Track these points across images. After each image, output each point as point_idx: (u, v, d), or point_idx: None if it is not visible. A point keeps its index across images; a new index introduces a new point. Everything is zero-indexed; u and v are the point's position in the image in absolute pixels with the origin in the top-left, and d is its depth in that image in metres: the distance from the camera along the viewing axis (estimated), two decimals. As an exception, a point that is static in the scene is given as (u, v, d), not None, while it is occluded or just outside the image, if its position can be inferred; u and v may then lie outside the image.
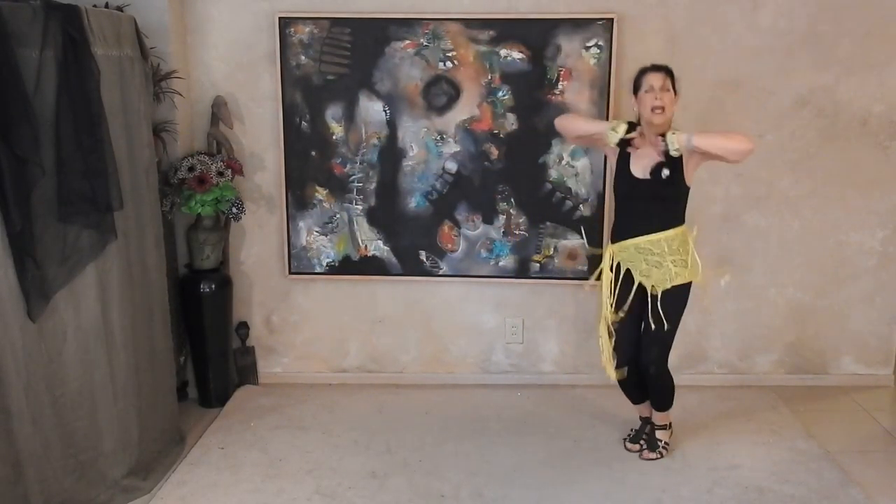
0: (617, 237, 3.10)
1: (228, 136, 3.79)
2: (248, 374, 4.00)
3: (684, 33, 3.68)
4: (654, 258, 2.99)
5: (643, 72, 2.96)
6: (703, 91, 3.72)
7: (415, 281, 3.94)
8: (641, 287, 3.06)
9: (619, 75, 3.66)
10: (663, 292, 3.01)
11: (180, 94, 3.58)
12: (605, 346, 3.14)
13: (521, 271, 3.89)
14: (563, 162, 3.76)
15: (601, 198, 3.77)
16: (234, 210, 3.66)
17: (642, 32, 3.66)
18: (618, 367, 3.15)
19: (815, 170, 3.81)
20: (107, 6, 3.23)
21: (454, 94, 3.72)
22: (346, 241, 3.89)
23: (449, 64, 3.69)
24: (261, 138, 3.83)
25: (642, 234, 2.99)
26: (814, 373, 4.03)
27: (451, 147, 3.77)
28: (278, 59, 3.70)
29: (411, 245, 3.88)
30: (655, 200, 2.99)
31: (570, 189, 3.79)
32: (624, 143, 2.97)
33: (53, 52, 2.60)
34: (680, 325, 3.97)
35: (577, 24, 3.62)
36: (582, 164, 3.76)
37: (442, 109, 3.74)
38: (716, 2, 3.64)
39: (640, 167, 2.98)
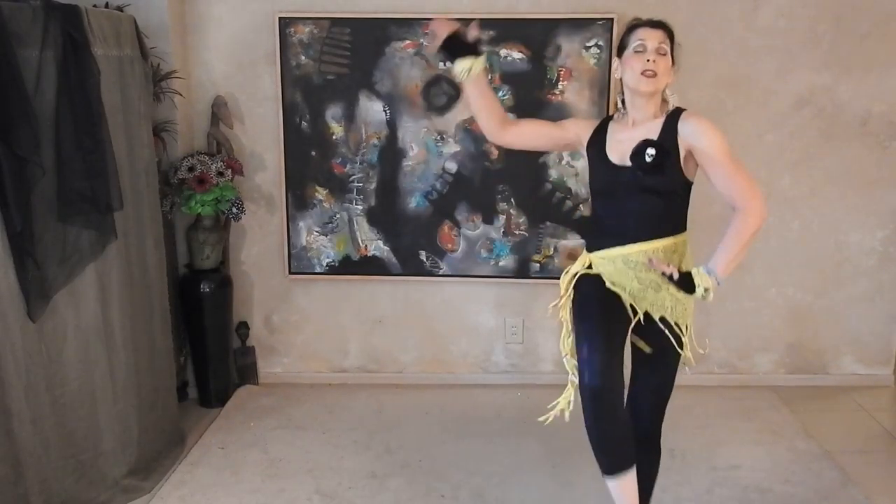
0: (597, 244, 2.35)
1: (228, 136, 3.79)
2: (248, 374, 4.00)
3: (684, 33, 3.64)
4: (648, 276, 2.25)
5: (634, 27, 2.28)
6: (703, 91, 3.72)
7: (415, 281, 3.94)
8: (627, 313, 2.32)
9: (619, 75, 3.67)
10: (666, 326, 2.30)
11: (180, 94, 3.57)
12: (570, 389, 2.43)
13: (521, 271, 3.88)
14: (563, 162, 3.76)
15: (601, 198, 3.77)
16: (234, 210, 3.65)
17: (642, 32, 3.65)
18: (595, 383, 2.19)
19: (815, 170, 3.81)
20: (107, 6, 3.23)
21: (454, 94, 3.71)
22: (346, 241, 3.89)
23: (449, 64, 3.68)
24: (261, 138, 3.83)
25: (632, 242, 2.26)
26: (814, 373, 4.03)
27: (451, 147, 3.77)
28: (278, 59, 3.70)
29: (411, 245, 3.88)
30: (644, 195, 2.25)
31: (570, 189, 3.79)
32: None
33: (53, 52, 2.60)
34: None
35: (577, 24, 3.62)
36: (582, 164, 3.76)
37: (442, 109, 3.74)
38: (716, 2, 3.64)
39: (619, 152, 2.28)
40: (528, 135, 2.50)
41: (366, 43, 3.68)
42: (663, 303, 2.29)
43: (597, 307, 2.28)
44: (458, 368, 4.06)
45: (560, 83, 3.67)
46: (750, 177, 2.24)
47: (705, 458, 3.25)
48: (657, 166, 2.21)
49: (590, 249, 2.38)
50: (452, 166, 3.79)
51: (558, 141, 2.48)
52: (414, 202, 3.83)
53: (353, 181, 3.83)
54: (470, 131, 3.75)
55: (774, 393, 3.90)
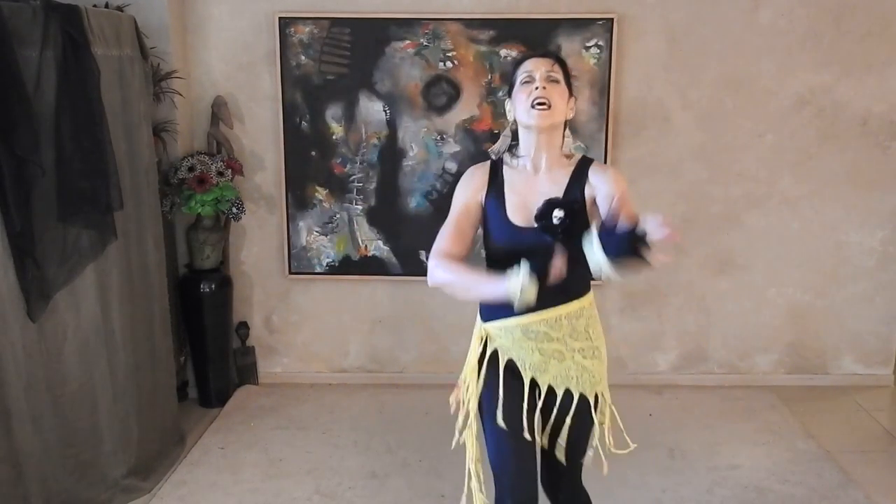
0: (492, 313, 2.10)
1: (228, 136, 3.79)
2: (248, 374, 4.00)
3: (684, 33, 3.68)
4: (551, 346, 2.02)
5: (519, 62, 2.06)
6: (703, 91, 3.72)
7: (415, 281, 3.94)
8: (532, 388, 2.07)
9: (619, 75, 3.67)
10: (573, 399, 2.04)
11: (180, 94, 3.57)
12: (476, 496, 2.12)
13: (521, 271, 3.87)
14: (563, 162, 3.76)
15: (601, 198, 3.77)
16: (234, 210, 3.65)
17: (642, 32, 3.66)
18: None
19: (815, 170, 3.81)
20: (107, 6, 3.24)
21: (454, 94, 3.72)
22: (346, 241, 3.89)
23: (449, 64, 3.69)
24: (261, 138, 3.83)
25: (533, 310, 1.94)
26: (814, 373, 4.03)
27: (451, 147, 3.77)
28: (278, 59, 3.70)
29: (411, 245, 3.88)
30: (548, 258, 1.83)
31: (570, 189, 3.79)
32: (551, 231, 1.90)
33: (53, 52, 2.60)
34: (680, 326, 4.01)
35: (577, 24, 3.62)
36: (582, 164, 3.76)
37: (442, 109, 3.74)
38: (716, 2, 3.64)
39: (522, 210, 2.00)
40: (466, 251, 2.08)
41: (366, 43, 3.68)
42: (567, 373, 2.03)
43: (507, 433, 2.02)
44: (458, 368, 4.03)
45: (560, 83, 3.67)
46: None
47: (705, 458, 3.25)
48: (566, 229, 1.88)
49: (485, 319, 2.13)
50: (452, 166, 3.79)
51: (477, 224, 2.09)
52: (414, 202, 3.83)
53: (353, 181, 3.83)
54: (470, 131, 3.75)
55: (774, 393, 3.90)
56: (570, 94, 2.03)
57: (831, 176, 3.81)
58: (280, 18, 3.66)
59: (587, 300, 2.04)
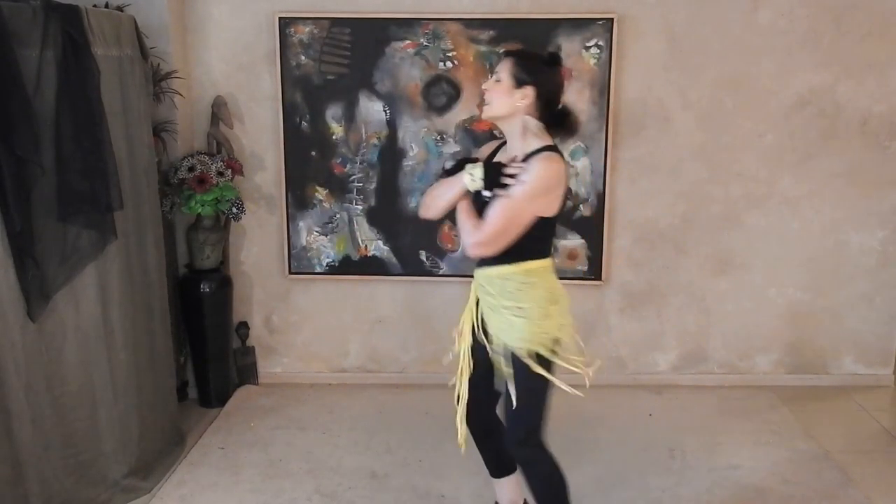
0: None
1: (228, 136, 3.79)
2: (248, 374, 4.00)
3: (684, 33, 3.68)
4: (488, 299, 2.35)
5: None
6: (703, 91, 3.72)
7: (415, 281, 3.94)
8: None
9: (618, 75, 3.67)
10: (512, 353, 2.31)
11: (180, 94, 3.57)
12: (461, 399, 2.54)
13: (521, 271, 3.87)
14: (563, 162, 3.76)
15: (601, 198, 3.77)
16: (234, 210, 3.66)
17: (642, 32, 3.66)
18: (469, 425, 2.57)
19: (815, 170, 3.81)
20: (107, 6, 3.24)
21: (454, 94, 3.72)
22: (346, 241, 3.89)
23: (449, 64, 3.69)
24: (261, 138, 3.83)
25: (481, 266, 2.36)
26: (814, 373, 4.03)
27: (452, 147, 3.77)
28: (278, 59, 3.70)
29: (411, 245, 3.88)
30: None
31: (569, 189, 3.79)
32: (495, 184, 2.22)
33: (53, 52, 2.60)
34: (680, 326, 4.01)
35: (577, 24, 3.62)
36: (582, 164, 3.76)
37: (442, 109, 3.74)
38: (716, 2, 3.64)
39: None
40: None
41: (366, 43, 3.68)
42: (500, 325, 2.32)
43: (473, 363, 2.50)
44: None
45: (560, 83, 3.67)
46: (503, 223, 2.19)
47: (705, 458, 3.25)
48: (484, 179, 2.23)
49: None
50: (452, 166, 3.79)
51: None
52: (414, 202, 3.83)
53: (353, 181, 3.83)
54: (470, 131, 3.75)
55: (774, 393, 3.90)
56: (519, 85, 2.22)
57: (831, 176, 3.81)
58: (280, 18, 3.66)
59: (520, 269, 2.27)
